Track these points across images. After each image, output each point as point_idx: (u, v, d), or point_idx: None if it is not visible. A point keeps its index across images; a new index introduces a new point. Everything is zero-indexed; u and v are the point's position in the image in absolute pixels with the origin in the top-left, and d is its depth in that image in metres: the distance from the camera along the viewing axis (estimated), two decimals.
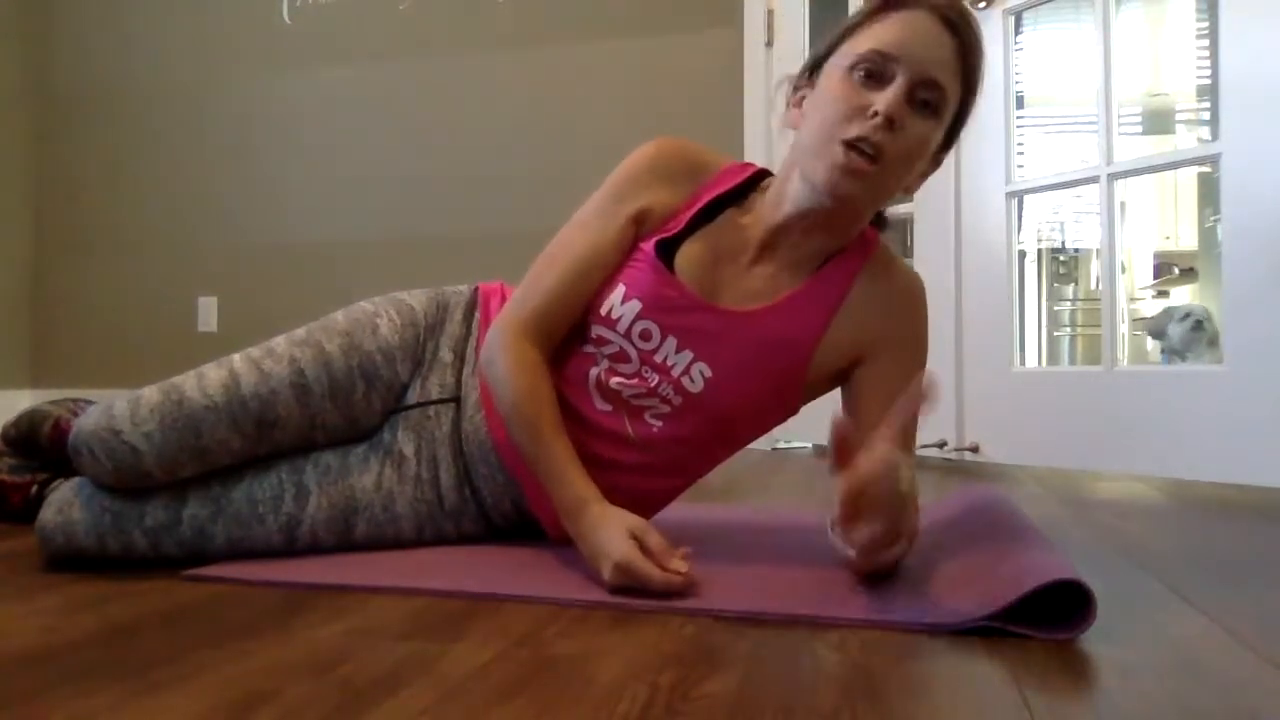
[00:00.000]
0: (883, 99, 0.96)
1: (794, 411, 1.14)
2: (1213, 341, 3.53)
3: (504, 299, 1.22)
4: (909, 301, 1.11)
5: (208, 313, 3.30)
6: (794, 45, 2.72)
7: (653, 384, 1.08)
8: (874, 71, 0.97)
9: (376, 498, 1.13)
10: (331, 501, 1.12)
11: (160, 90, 3.40)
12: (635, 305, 1.07)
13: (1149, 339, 3.87)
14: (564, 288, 1.08)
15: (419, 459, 1.16)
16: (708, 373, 1.07)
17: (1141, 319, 5.47)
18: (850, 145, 0.96)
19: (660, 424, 1.10)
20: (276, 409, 1.09)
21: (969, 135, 2.47)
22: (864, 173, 0.97)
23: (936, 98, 0.97)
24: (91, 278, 3.38)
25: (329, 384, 1.12)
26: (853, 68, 0.98)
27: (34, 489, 1.38)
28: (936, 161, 1.06)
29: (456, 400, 1.18)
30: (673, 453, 1.12)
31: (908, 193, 1.07)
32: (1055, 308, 5.63)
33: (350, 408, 1.15)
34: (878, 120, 0.95)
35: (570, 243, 1.10)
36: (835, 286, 1.08)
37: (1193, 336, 3.58)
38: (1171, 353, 3.62)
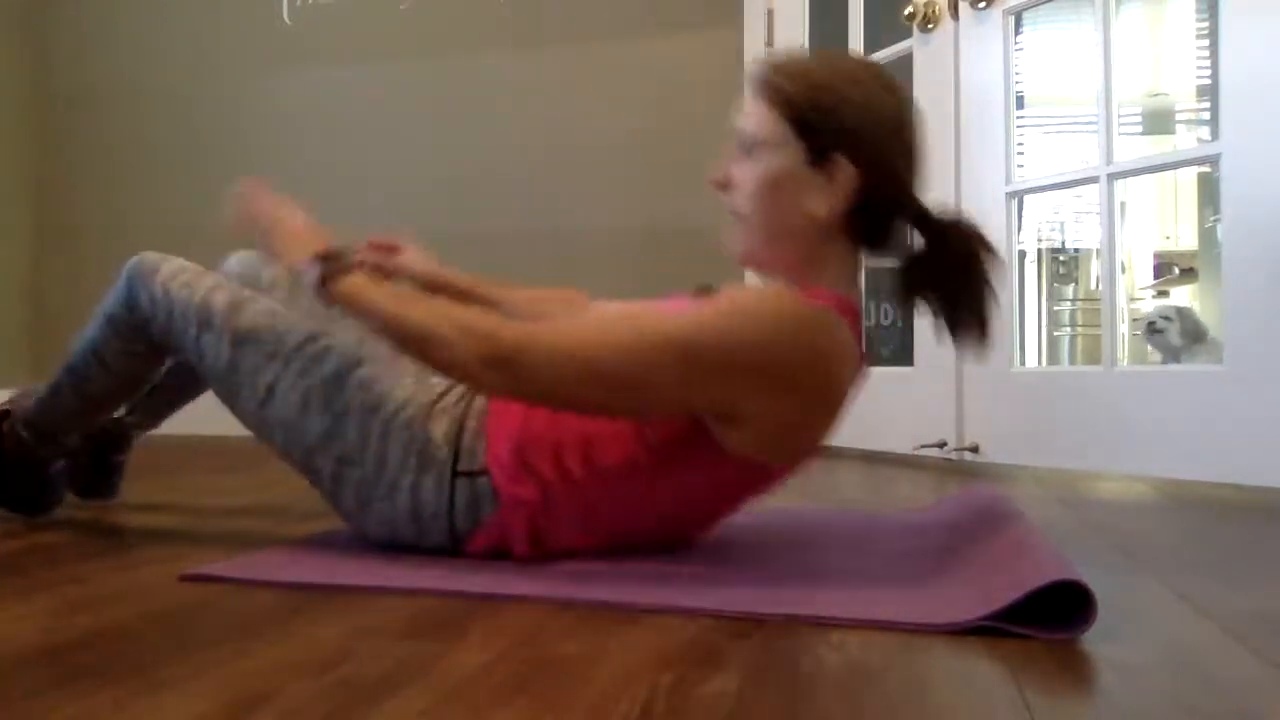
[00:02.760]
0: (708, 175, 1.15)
1: None
2: (1195, 337, 3.53)
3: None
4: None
5: None
6: (794, 45, 2.72)
7: None
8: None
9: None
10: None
11: (160, 90, 3.40)
12: None
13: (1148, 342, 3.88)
14: None
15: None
16: None
17: (1141, 319, 5.48)
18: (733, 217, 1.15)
19: None
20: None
21: (969, 135, 2.46)
22: (736, 232, 1.13)
23: (746, 140, 1.10)
24: (91, 277, 3.37)
25: None
26: None
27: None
28: (829, 178, 1.06)
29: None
30: None
31: (818, 213, 1.06)
32: (1055, 308, 5.62)
33: None
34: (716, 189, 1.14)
35: None
36: None
37: (1154, 339, 3.61)
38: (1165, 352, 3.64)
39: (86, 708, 0.64)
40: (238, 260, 1.49)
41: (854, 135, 1.05)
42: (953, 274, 1.08)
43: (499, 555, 1.12)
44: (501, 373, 0.99)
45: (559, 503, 1.10)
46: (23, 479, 1.44)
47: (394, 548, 1.17)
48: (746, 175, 1.10)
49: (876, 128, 1.06)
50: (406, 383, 1.18)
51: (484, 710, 0.63)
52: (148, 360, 1.34)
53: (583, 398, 1.00)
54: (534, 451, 1.11)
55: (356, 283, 1.08)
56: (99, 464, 1.57)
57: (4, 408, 1.46)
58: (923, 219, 1.10)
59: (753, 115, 1.10)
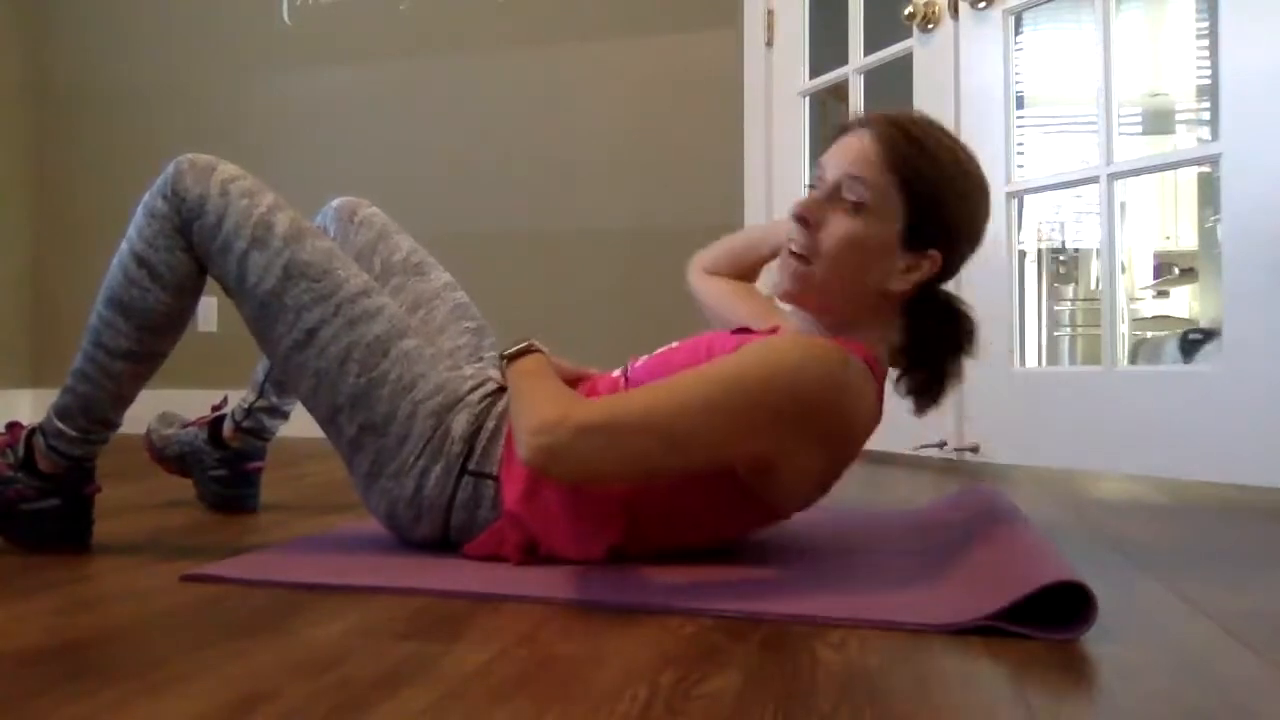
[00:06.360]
0: (797, 201, 1.07)
1: None
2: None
3: None
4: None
5: (208, 313, 3.30)
6: (794, 45, 2.72)
7: None
8: (814, 185, 1.08)
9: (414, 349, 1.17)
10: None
11: (160, 90, 3.40)
12: None
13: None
14: None
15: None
16: None
17: (1141, 319, 5.48)
18: (791, 251, 1.07)
19: None
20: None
21: (969, 135, 2.46)
22: (796, 272, 1.07)
23: (860, 193, 1.03)
24: (91, 278, 3.36)
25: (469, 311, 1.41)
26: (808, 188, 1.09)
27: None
28: (916, 265, 1.06)
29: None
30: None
31: (891, 292, 1.06)
32: (1055, 308, 5.62)
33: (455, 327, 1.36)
34: (794, 221, 1.06)
35: None
36: None
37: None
38: None
39: (87, 707, 0.64)
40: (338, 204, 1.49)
41: (953, 235, 1.08)
42: (943, 356, 1.11)
43: (492, 559, 1.12)
44: (584, 444, 0.92)
45: (561, 522, 1.10)
46: (66, 507, 1.20)
47: (387, 527, 1.18)
48: (840, 229, 1.04)
49: (970, 233, 1.10)
50: (442, 368, 1.17)
51: (484, 710, 0.63)
52: (191, 274, 1.21)
53: (648, 465, 0.95)
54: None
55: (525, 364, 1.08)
56: (236, 475, 1.50)
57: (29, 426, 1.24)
58: (946, 301, 1.13)
59: (870, 170, 1.03)
